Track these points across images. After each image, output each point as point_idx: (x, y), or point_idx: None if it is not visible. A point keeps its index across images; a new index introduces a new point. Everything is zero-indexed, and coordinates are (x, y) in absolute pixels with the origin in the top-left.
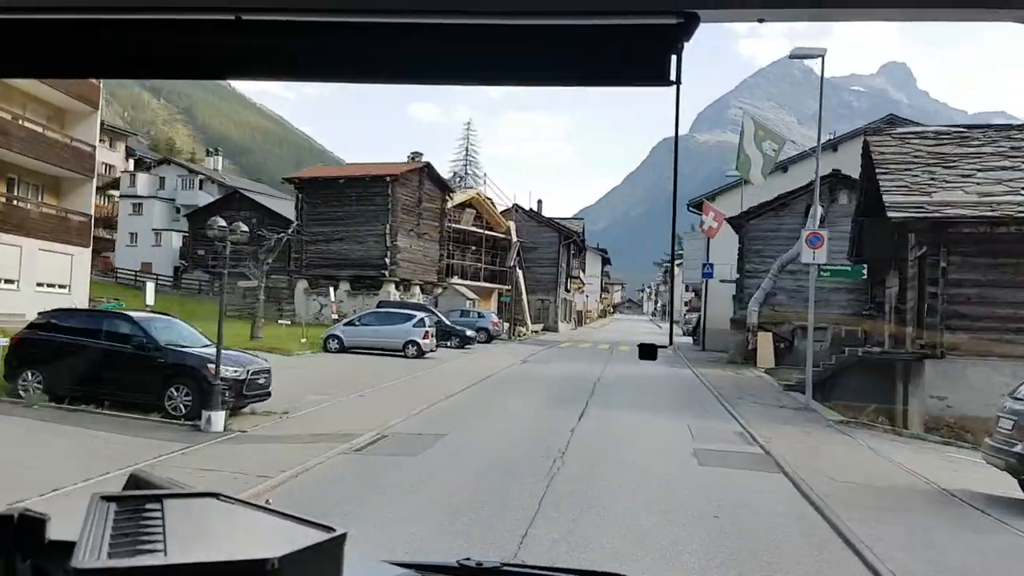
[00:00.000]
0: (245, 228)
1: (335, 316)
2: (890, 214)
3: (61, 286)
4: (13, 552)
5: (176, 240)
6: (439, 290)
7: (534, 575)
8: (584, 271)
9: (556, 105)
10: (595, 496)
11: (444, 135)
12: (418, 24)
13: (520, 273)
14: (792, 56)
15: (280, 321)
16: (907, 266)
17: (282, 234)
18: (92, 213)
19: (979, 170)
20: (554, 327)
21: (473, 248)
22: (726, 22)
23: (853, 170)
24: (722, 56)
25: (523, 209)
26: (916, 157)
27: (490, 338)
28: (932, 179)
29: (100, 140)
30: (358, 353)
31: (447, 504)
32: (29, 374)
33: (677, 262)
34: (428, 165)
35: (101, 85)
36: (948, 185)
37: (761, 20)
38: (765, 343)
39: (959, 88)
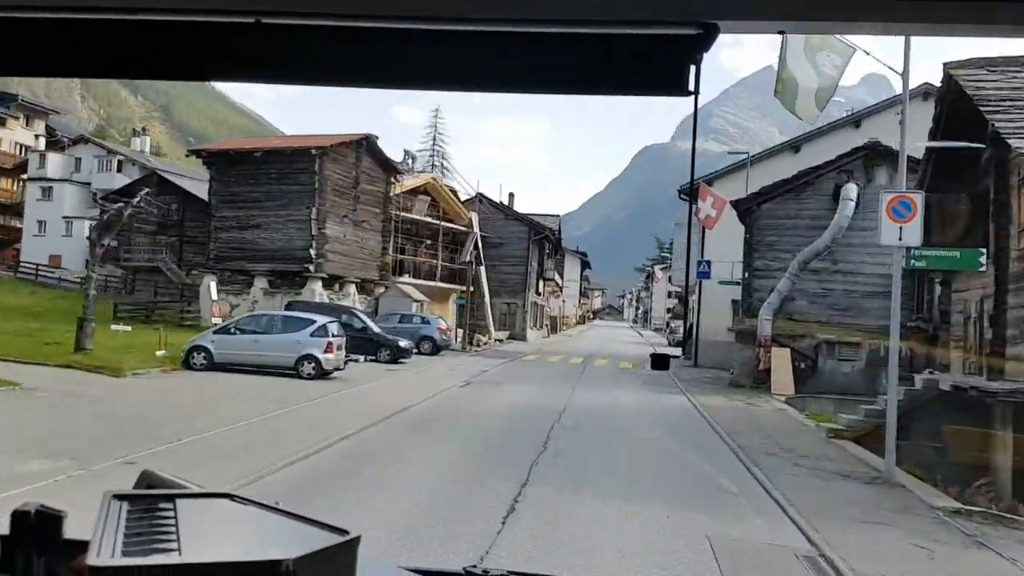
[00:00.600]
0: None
1: (216, 320)
2: None
3: None
4: (30, 549)
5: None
6: (381, 290)
7: None
8: (562, 275)
9: (539, 111)
10: None
11: (428, 138)
12: (439, 31)
13: (483, 272)
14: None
15: (115, 327)
16: (1009, 255)
17: (121, 204)
18: None
19: None
20: (521, 335)
21: (428, 242)
22: (746, 33)
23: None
24: (704, 65)
25: (488, 199)
26: None
27: (436, 349)
28: None
29: (12, 116)
30: (234, 371)
31: None
32: None
33: (661, 266)
34: (368, 139)
35: None
36: None
37: (781, 32)
38: (782, 362)
39: None
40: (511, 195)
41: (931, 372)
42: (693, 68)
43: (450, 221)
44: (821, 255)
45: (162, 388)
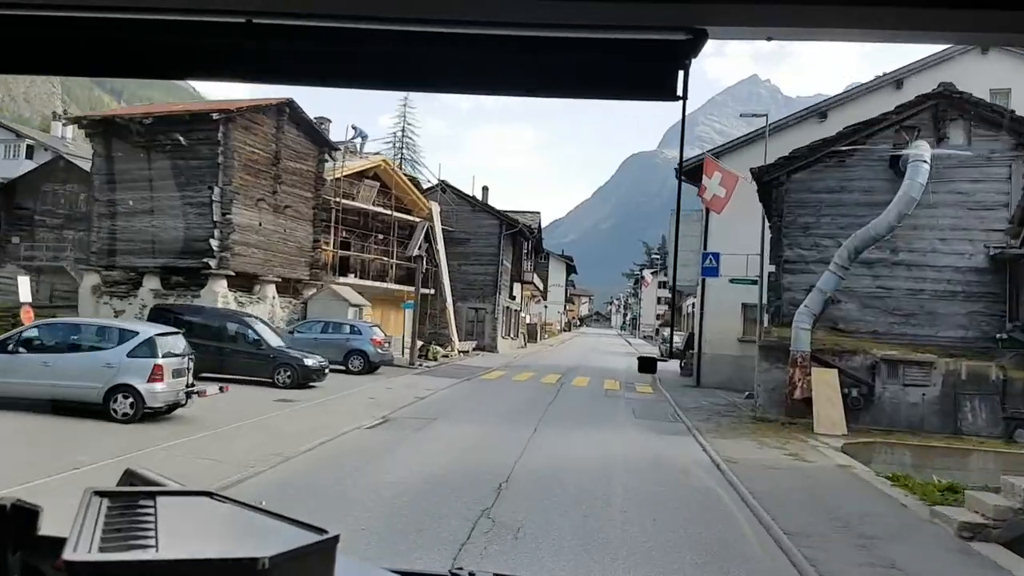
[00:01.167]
0: None
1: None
2: None
3: None
4: (5, 543)
5: None
6: (311, 292)
7: None
8: (545, 279)
9: (524, 118)
10: None
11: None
12: (430, 33)
13: (445, 272)
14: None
15: None
16: None
17: None
18: None
19: None
20: (491, 345)
21: (380, 236)
22: (734, 39)
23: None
24: (691, 73)
25: (453, 189)
26: None
27: (370, 366)
28: None
29: None
30: (13, 409)
31: None
32: None
33: (651, 270)
34: (291, 104)
35: None
36: None
37: (769, 38)
38: (828, 389)
39: None
40: (485, 189)
41: None
42: (682, 73)
43: (407, 212)
44: (881, 241)
45: None
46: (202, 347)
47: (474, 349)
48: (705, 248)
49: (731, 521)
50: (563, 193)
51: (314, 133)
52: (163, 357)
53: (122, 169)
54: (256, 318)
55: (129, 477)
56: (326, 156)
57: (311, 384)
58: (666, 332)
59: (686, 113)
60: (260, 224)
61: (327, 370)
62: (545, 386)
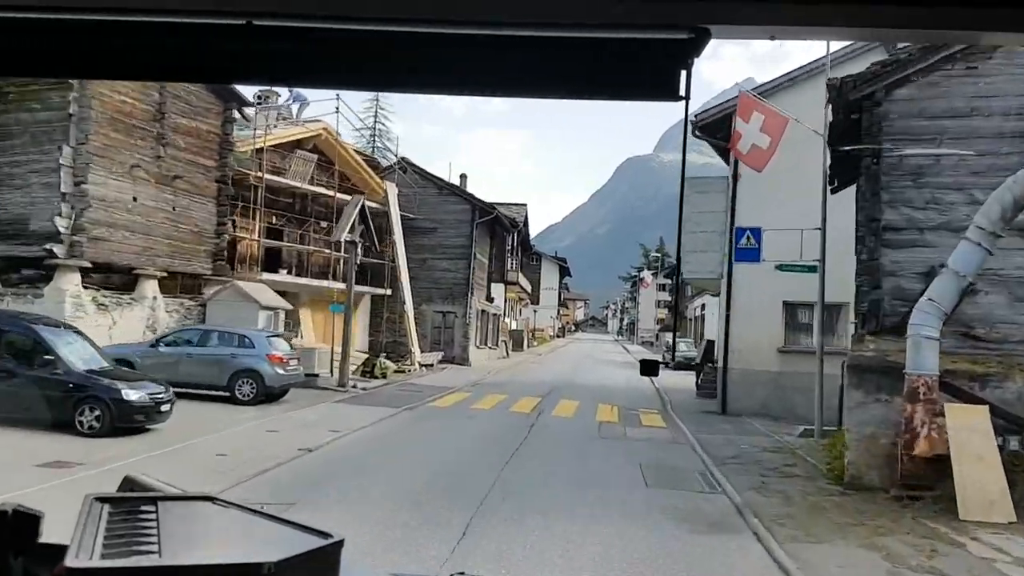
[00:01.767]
0: None
1: None
2: None
3: None
4: (6, 549)
5: None
6: (212, 290)
7: None
8: (538, 282)
9: (519, 122)
10: None
11: (408, 151)
12: (430, 33)
13: (403, 268)
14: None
15: None
16: None
17: None
18: None
19: None
20: (462, 357)
21: (322, 224)
22: (737, 39)
23: None
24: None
25: (415, 168)
26: None
27: (267, 392)
28: None
29: None
30: None
31: None
32: None
33: (651, 271)
34: None
35: None
36: None
37: (773, 37)
38: (976, 440)
39: None
40: (463, 176)
41: None
42: (684, 73)
43: (358, 194)
44: None
45: None
46: None
47: (440, 362)
48: (731, 224)
49: None
50: (559, 198)
51: (217, 86)
52: None
53: None
54: (61, 325)
55: (128, 483)
56: (234, 114)
57: (139, 426)
58: (669, 338)
59: (689, 111)
60: (135, 199)
61: (169, 406)
62: (514, 419)
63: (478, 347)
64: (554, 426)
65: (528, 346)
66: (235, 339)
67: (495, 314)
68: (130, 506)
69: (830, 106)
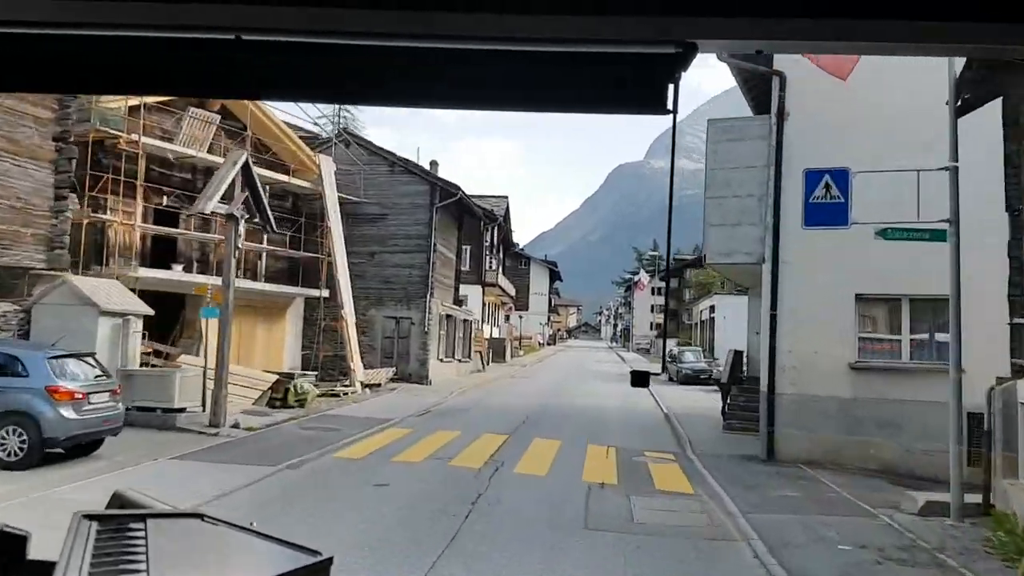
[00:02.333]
0: None
1: None
2: None
3: None
4: None
5: None
6: (37, 291)
7: None
8: (527, 287)
9: (511, 130)
10: None
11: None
12: (416, 48)
13: (340, 262)
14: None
15: None
16: None
17: None
18: None
19: None
20: (420, 373)
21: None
22: (724, 52)
23: None
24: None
25: (359, 140)
26: None
27: (43, 446)
28: None
29: None
30: None
31: None
32: None
33: (648, 270)
34: None
35: None
36: None
37: (759, 51)
38: None
39: None
40: (434, 163)
41: None
42: (671, 87)
43: (285, 173)
44: None
45: None
46: None
47: (393, 380)
48: (777, 189)
49: None
50: (550, 205)
51: None
52: None
53: None
54: None
55: (118, 499)
56: None
57: None
58: (672, 347)
59: (676, 123)
60: None
61: None
62: (452, 483)
63: (442, 360)
64: (513, 498)
65: (512, 356)
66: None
67: (467, 320)
68: (118, 523)
69: None
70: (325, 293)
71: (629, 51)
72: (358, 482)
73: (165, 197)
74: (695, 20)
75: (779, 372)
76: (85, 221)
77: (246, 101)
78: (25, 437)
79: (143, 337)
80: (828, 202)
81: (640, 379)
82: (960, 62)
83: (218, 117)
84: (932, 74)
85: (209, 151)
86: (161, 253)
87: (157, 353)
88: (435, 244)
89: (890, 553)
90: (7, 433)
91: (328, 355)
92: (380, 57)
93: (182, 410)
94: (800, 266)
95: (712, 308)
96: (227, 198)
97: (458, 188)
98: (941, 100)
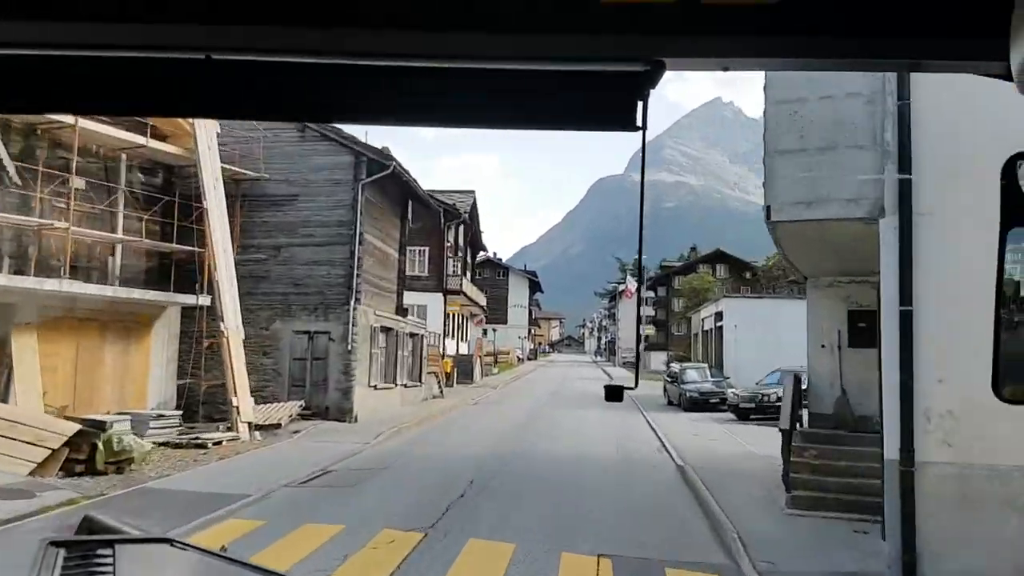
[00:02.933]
0: None
1: None
2: None
3: None
4: None
5: None
6: None
7: None
8: (506, 299)
9: (492, 146)
10: None
11: None
12: (386, 67)
13: (219, 256)
14: None
15: None
16: None
17: None
18: None
19: None
20: (343, 406)
21: (78, 187)
22: (692, 70)
23: None
24: (653, 98)
25: None
26: None
27: None
28: None
29: None
30: None
31: None
32: None
33: (634, 276)
34: None
35: None
36: None
37: (726, 68)
38: None
39: None
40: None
41: None
42: (641, 104)
43: (157, 139)
44: None
45: None
46: None
47: (302, 415)
48: (901, 129)
49: None
50: (532, 219)
51: None
52: None
53: None
54: None
55: (87, 524)
56: None
57: None
58: (675, 366)
59: (646, 139)
60: None
61: None
62: None
63: (376, 387)
64: None
65: (483, 375)
66: None
67: (414, 334)
68: (86, 550)
69: None
70: (208, 301)
71: (597, 69)
72: None
73: None
74: (662, 39)
75: (920, 423)
76: None
77: None
78: None
79: None
80: None
81: (614, 394)
82: None
83: None
84: None
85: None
86: None
87: None
88: (362, 233)
89: None
90: None
91: (214, 385)
92: (352, 77)
93: None
94: (959, 222)
95: (719, 315)
96: None
97: (391, 159)
98: None
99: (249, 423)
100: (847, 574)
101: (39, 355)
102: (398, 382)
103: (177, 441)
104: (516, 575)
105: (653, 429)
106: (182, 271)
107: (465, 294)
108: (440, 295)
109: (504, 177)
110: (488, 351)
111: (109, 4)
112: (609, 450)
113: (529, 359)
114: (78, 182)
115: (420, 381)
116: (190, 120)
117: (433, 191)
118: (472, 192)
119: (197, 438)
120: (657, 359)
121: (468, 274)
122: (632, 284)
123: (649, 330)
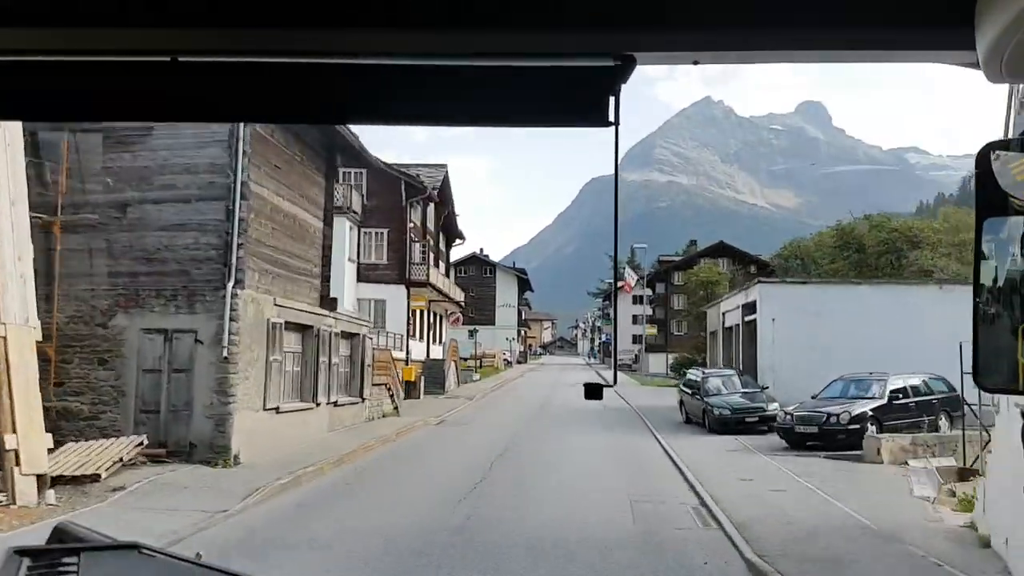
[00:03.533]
0: None
1: None
2: None
3: None
4: None
5: None
6: None
7: None
8: (494, 298)
9: (481, 147)
10: None
11: None
12: (356, 65)
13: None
14: None
15: None
16: None
17: None
18: None
19: None
20: (217, 443)
21: None
22: (661, 64)
23: None
24: (643, 98)
25: None
26: None
27: None
28: None
29: None
30: None
31: None
32: None
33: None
34: None
35: None
36: None
37: (696, 62)
38: None
39: (872, 126)
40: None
41: None
42: (612, 99)
43: None
44: None
45: None
46: None
47: (149, 454)
48: None
49: None
50: (524, 220)
51: None
52: None
53: None
54: None
55: (59, 533)
56: None
57: None
58: (695, 373)
59: (618, 135)
60: None
61: None
62: None
63: (276, 410)
64: None
65: (460, 383)
66: None
67: (350, 334)
68: (51, 559)
69: None
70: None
71: (567, 64)
72: None
73: None
74: (632, 33)
75: None
76: None
77: None
78: None
79: None
80: None
81: (593, 392)
82: None
83: None
84: None
85: None
86: None
87: None
88: (245, 183)
89: None
90: None
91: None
92: (320, 76)
93: None
94: None
95: (749, 307)
96: None
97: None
98: None
99: (40, 475)
100: None
101: None
102: (321, 400)
103: None
104: None
105: (678, 467)
106: None
107: (434, 286)
108: (403, 287)
109: (494, 179)
110: (470, 355)
111: (70, 10)
112: (620, 518)
113: (519, 362)
114: None
115: (362, 396)
116: None
117: (400, 164)
118: (444, 166)
119: None
120: (657, 361)
121: (441, 264)
122: (631, 278)
123: (650, 330)
